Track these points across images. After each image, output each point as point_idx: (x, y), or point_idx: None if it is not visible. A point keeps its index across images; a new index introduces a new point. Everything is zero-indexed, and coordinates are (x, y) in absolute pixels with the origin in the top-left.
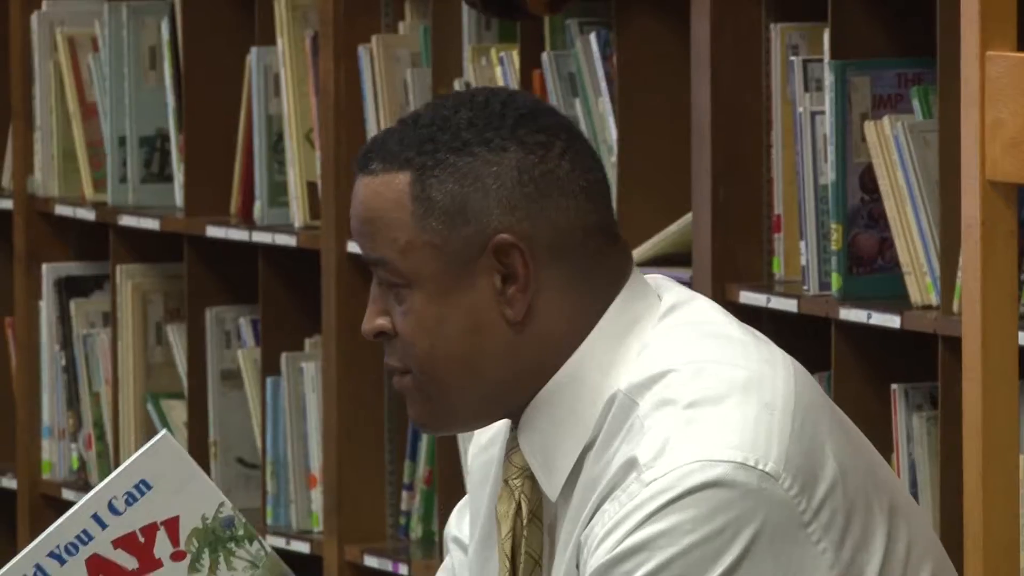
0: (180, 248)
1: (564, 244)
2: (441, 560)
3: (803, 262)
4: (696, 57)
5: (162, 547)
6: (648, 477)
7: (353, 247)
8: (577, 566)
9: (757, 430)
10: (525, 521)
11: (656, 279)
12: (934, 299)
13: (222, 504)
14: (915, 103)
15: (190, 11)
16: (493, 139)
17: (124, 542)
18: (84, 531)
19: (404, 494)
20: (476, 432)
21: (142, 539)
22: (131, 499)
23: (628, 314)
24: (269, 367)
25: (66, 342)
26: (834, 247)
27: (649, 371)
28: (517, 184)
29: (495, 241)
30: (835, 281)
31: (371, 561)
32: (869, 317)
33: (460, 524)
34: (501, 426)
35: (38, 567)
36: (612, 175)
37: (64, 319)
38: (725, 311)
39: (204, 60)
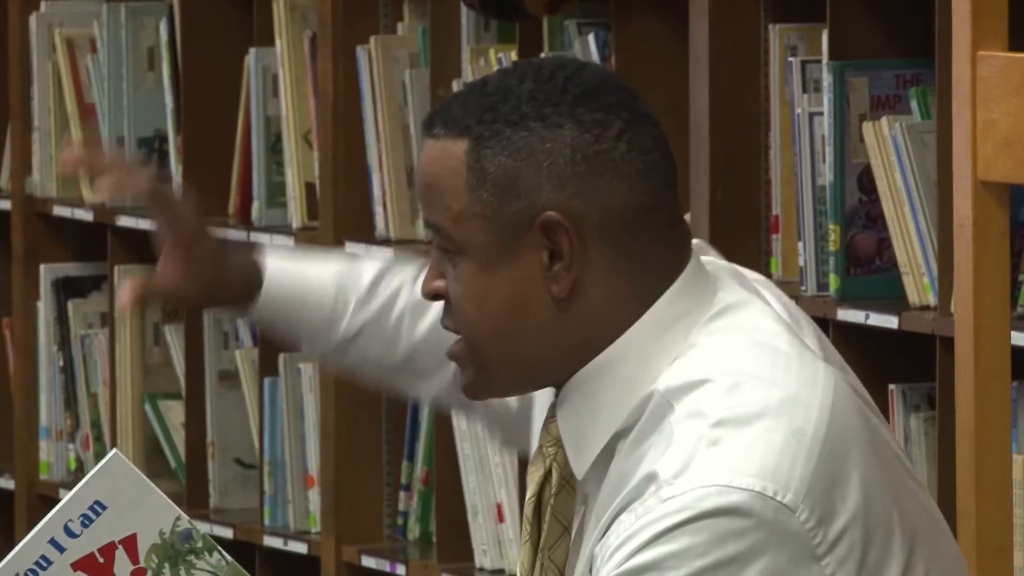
0: None
1: (614, 225)
2: (439, 561)
3: (801, 263)
4: (694, 58)
5: (122, 566)
6: (666, 494)
7: (351, 248)
8: (591, 572)
9: (781, 458)
10: (555, 488)
11: (719, 271)
12: (932, 300)
13: (178, 518)
14: (913, 104)
15: (188, 12)
16: (550, 115)
17: (83, 564)
18: (43, 556)
19: (402, 494)
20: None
21: (101, 559)
22: (87, 521)
23: (678, 307)
24: (267, 368)
25: (64, 343)
26: (832, 248)
27: (688, 376)
28: (569, 162)
29: (543, 218)
30: (833, 282)
31: (368, 561)
32: (867, 318)
33: None
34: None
35: None
36: None
37: (62, 320)
38: (780, 318)
39: (202, 61)
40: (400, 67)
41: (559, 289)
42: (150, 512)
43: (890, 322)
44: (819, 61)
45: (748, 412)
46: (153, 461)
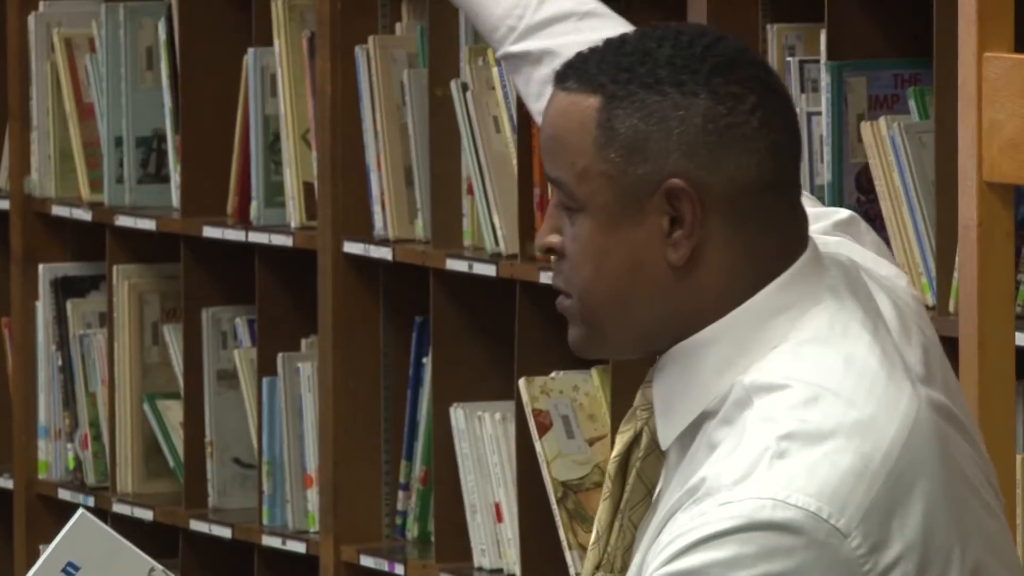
0: (176, 248)
1: (738, 199)
2: (437, 560)
3: None
4: None
5: None
6: (723, 499)
7: (349, 247)
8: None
9: (842, 482)
10: (643, 451)
11: (834, 267)
12: (930, 300)
13: (152, 569)
14: (911, 104)
15: (187, 12)
16: (686, 82)
17: None
18: None
19: (400, 494)
20: None
21: None
22: None
23: (785, 297)
24: (265, 367)
25: (62, 342)
26: None
27: (773, 376)
28: (701, 132)
29: (667, 184)
30: None
31: (367, 561)
32: None
33: None
34: None
35: None
36: None
37: (60, 319)
38: (879, 331)
39: (201, 61)
40: (398, 67)
41: (677, 257)
42: (124, 567)
43: None
44: (817, 61)
45: (820, 430)
46: (152, 461)
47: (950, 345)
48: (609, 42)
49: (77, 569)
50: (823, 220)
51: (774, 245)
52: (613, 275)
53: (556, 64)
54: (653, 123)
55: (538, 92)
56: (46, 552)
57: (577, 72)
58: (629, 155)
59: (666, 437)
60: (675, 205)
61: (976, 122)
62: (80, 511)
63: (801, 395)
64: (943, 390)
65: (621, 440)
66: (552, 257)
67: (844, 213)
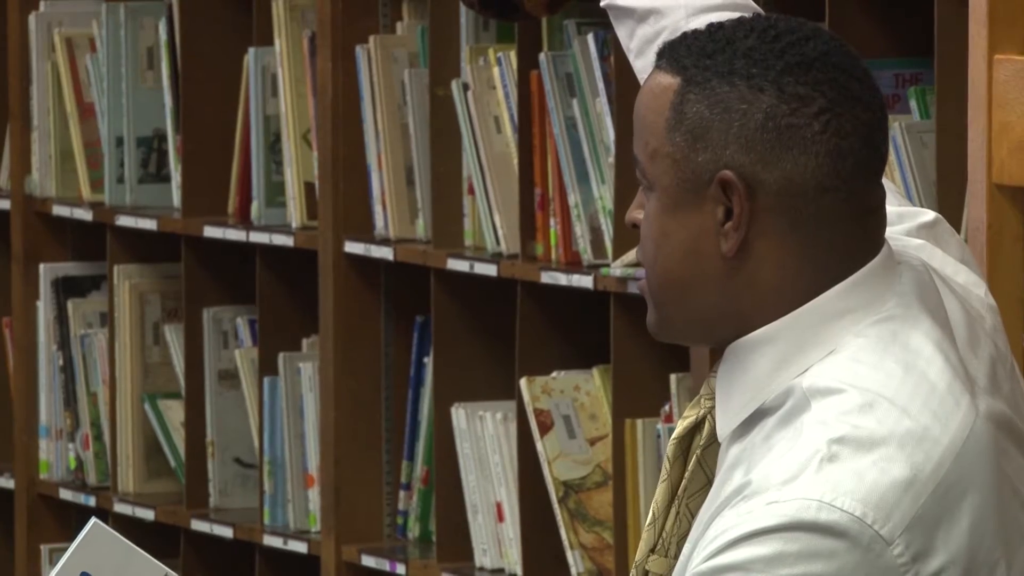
0: (177, 248)
1: (793, 199)
2: (438, 560)
3: None
4: None
5: None
6: (771, 498)
7: (350, 247)
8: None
9: (890, 490)
10: (705, 440)
11: (908, 272)
12: None
13: (165, 575)
14: (912, 104)
15: (188, 12)
16: (756, 76)
17: None
18: None
19: (401, 494)
20: None
21: None
22: None
23: (848, 302)
24: (266, 367)
25: (63, 342)
26: None
27: (830, 380)
28: (760, 128)
29: (721, 176)
30: None
31: (368, 561)
32: None
33: None
34: None
35: None
36: (610, 175)
37: (61, 319)
38: (942, 342)
39: (202, 60)
40: (399, 67)
41: (728, 248)
42: (137, 573)
43: None
44: None
45: (872, 437)
46: (153, 460)
47: None
48: (710, 26)
49: None
50: (908, 221)
51: (836, 247)
52: (672, 257)
53: (661, 24)
54: (717, 112)
55: (638, 49)
56: (60, 563)
57: (671, 50)
58: (692, 141)
59: (723, 430)
60: (728, 196)
61: (986, 124)
62: (93, 521)
63: (856, 401)
64: (1009, 403)
65: (683, 424)
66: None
67: (929, 215)
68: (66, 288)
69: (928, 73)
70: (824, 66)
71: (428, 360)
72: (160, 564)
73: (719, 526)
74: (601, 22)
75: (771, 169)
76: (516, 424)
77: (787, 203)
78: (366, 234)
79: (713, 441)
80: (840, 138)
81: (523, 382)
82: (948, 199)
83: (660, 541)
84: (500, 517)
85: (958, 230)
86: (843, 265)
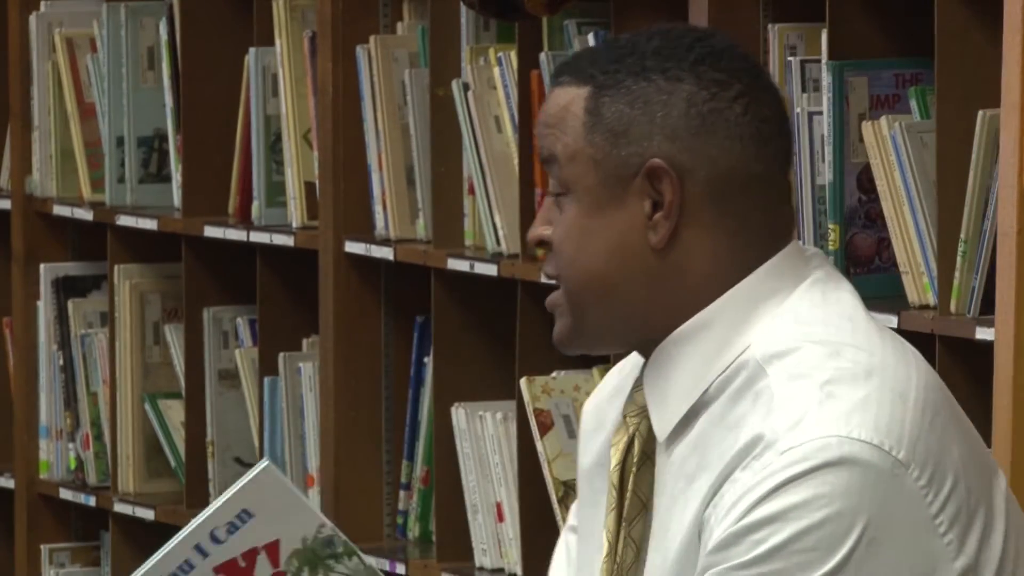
0: (178, 248)
1: (721, 184)
2: (438, 560)
3: None
4: None
5: (262, 569)
6: (784, 446)
7: (351, 247)
8: (699, 537)
9: (892, 418)
10: (636, 459)
11: (812, 254)
12: (931, 299)
13: (322, 525)
14: (913, 103)
15: (188, 11)
16: (671, 69)
17: (225, 568)
18: (187, 560)
19: (402, 494)
20: (596, 391)
21: (243, 564)
22: (233, 528)
23: (774, 280)
24: (267, 367)
25: (64, 342)
26: (832, 247)
27: (782, 343)
28: (683, 116)
29: (649, 165)
30: None
31: (368, 560)
32: None
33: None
34: (626, 380)
35: None
36: None
37: (62, 319)
38: (863, 305)
39: (202, 60)
40: (400, 67)
41: (658, 239)
42: (295, 520)
43: (890, 321)
44: (818, 61)
45: (855, 373)
46: (153, 460)
47: (952, 345)
48: (603, 40)
49: (251, 516)
50: None
51: (761, 233)
52: (597, 258)
53: None
54: (638, 107)
55: None
56: (224, 496)
57: (570, 68)
58: (614, 138)
59: (664, 429)
60: (656, 186)
61: (1019, 130)
62: (266, 462)
63: (820, 351)
64: None
65: (618, 451)
66: (542, 251)
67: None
68: (66, 288)
69: (928, 73)
70: (733, 56)
71: (428, 360)
72: (320, 515)
73: (737, 489)
74: (601, 22)
75: (697, 155)
76: (516, 424)
77: (715, 190)
78: (366, 234)
79: (643, 464)
80: (761, 121)
81: (523, 382)
82: (948, 199)
83: (616, 568)
84: (500, 517)
85: (959, 230)
86: (765, 248)
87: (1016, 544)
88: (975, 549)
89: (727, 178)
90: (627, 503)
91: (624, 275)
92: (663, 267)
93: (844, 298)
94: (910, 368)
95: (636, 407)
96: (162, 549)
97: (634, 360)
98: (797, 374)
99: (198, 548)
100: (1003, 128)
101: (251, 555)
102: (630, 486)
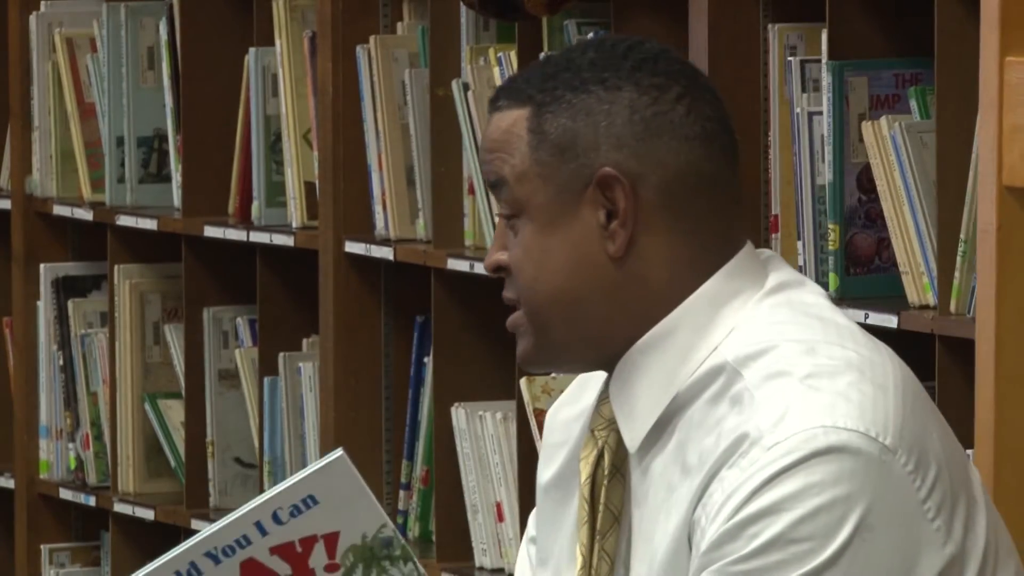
0: (178, 248)
1: (673, 186)
2: (438, 560)
3: (800, 262)
4: (694, 57)
5: (317, 558)
6: (770, 441)
7: (351, 247)
8: (689, 541)
9: (875, 407)
10: (607, 472)
11: (768, 256)
12: (931, 299)
13: (384, 525)
14: (913, 103)
15: (188, 12)
16: (609, 79)
17: (281, 550)
18: (244, 536)
19: (401, 493)
20: (564, 401)
21: (299, 549)
22: (296, 511)
23: (734, 282)
24: (267, 367)
25: (64, 342)
26: (831, 247)
27: (754, 344)
28: (627, 122)
29: (599, 174)
30: (832, 281)
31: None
32: (866, 317)
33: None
34: (591, 399)
35: (192, 564)
36: None
37: (62, 319)
38: (831, 300)
39: (202, 60)
40: (400, 67)
41: (615, 248)
42: (358, 515)
43: (889, 321)
44: (818, 61)
45: (834, 367)
46: (153, 460)
47: (952, 345)
48: (536, 61)
49: (316, 503)
50: None
51: (717, 235)
52: (557, 273)
53: None
54: (581, 120)
55: None
56: (294, 478)
57: (507, 92)
58: (561, 153)
59: (634, 439)
60: (608, 195)
61: (996, 127)
62: (340, 452)
63: (796, 349)
64: None
65: (587, 464)
66: (503, 275)
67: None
68: (66, 288)
69: (928, 73)
70: (668, 59)
71: (428, 360)
72: (384, 514)
73: (725, 488)
74: (601, 22)
75: (646, 160)
76: (516, 424)
77: (667, 192)
78: (366, 234)
79: (612, 477)
80: (705, 120)
81: (523, 382)
82: (948, 199)
83: None
84: (500, 517)
85: (958, 230)
86: (722, 252)
87: (995, 537)
88: (961, 536)
89: (678, 180)
90: (599, 516)
91: (586, 289)
92: (623, 277)
93: (809, 298)
94: (884, 360)
95: (603, 420)
96: (220, 521)
97: (599, 374)
98: (775, 372)
99: (258, 525)
100: (981, 126)
101: (309, 542)
102: (601, 499)
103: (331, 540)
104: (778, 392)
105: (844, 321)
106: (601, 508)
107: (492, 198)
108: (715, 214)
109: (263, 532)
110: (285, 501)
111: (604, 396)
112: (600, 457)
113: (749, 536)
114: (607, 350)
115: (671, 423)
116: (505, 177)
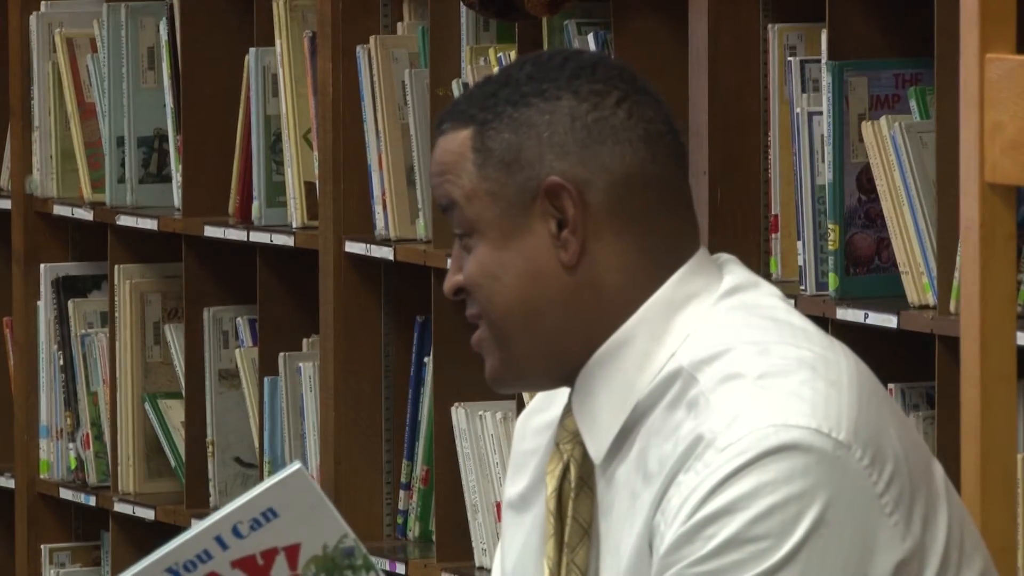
0: (178, 248)
1: (621, 191)
2: (438, 559)
3: (800, 262)
4: (694, 58)
5: (279, 570)
6: (723, 443)
7: (351, 247)
8: (650, 546)
9: (828, 403)
10: (573, 484)
11: (723, 258)
12: (931, 299)
13: (345, 535)
14: (912, 103)
15: (188, 12)
16: (548, 89)
17: (243, 563)
18: (205, 550)
19: (402, 493)
20: (534, 408)
21: (261, 562)
22: (256, 525)
23: (689, 287)
24: (267, 367)
25: (64, 342)
26: (831, 247)
27: (710, 348)
28: (569, 130)
29: (546, 184)
30: (832, 281)
31: None
32: (866, 317)
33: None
34: (558, 412)
35: None
36: None
37: (62, 319)
38: (787, 300)
39: (202, 60)
40: (400, 67)
41: (568, 256)
42: (319, 526)
43: (889, 321)
44: (818, 61)
45: (786, 367)
46: (153, 460)
47: (951, 345)
48: (477, 82)
49: (276, 516)
50: None
51: (669, 238)
52: (514, 288)
53: None
54: (523, 133)
55: None
56: (252, 492)
57: (449, 114)
58: (507, 168)
59: (599, 450)
60: (557, 205)
61: (978, 124)
62: (297, 465)
63: (749, 351)
64: None
65: (553, 477)
66: (463, 297)
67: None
68: (67, 288)
69: (928, 73)
70: (606, 66)
71: (428, 360)
72: (344, 524)
73: (682, 491)
74: (601, 22)
75: (591, 166)
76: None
77: (616, 197)
78: (366, 234)
79: (580, 490)
80: (647, 122)
81: None
82: (948, 199)
83: None
84: (500, 517)
85: (958, 230)
86: (674, 257)
87: (960, 532)
88: (920, 530)
89: (626, 184)
90: (567, 530)
91: (543, 300)
92: (578, 284)
93: (764, 300)
94: (839, 357)
95: (568, 433)
96: (180, 537)
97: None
98: (729, 375)
99: (219, 540)
100: (963, 123)
101: (270, 554)
102: (569, 512)
103: (292, 552)
104: (731, 394)
105: (799, 321)
106: (569, 521)
107: None
108: (666, 216)
109: (224, 546)
110: (245, 515)
111: (568, 410)
112: (566, 470)
113: (706, 538)
114: (569, 362)
115: (633, 431)
116: (455, 199)
